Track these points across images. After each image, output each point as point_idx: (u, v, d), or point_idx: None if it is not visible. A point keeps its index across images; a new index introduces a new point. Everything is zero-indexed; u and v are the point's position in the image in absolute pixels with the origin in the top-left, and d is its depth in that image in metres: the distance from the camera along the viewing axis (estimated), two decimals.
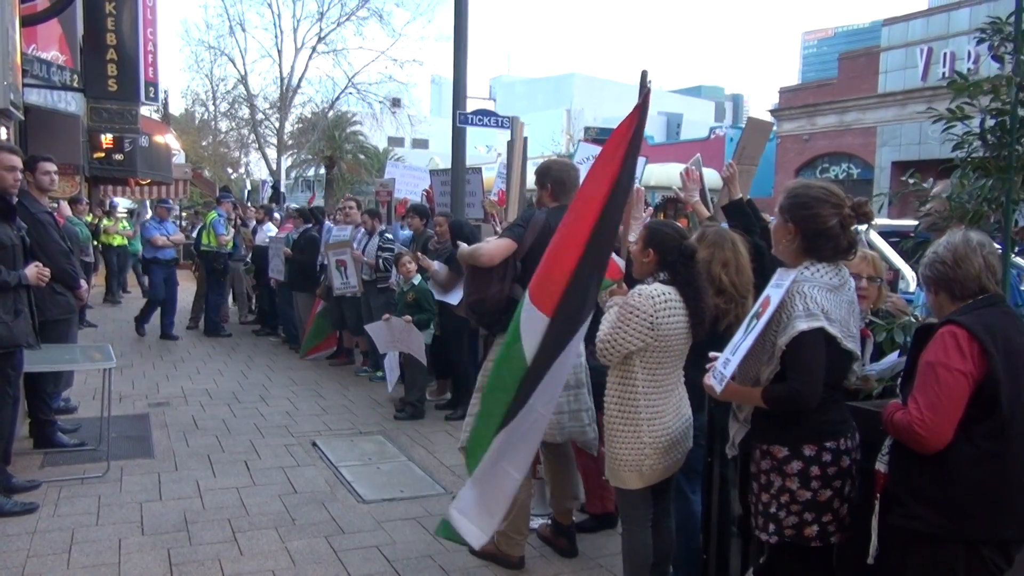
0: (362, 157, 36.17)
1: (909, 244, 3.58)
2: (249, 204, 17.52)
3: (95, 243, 13.18)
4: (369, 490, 4.82)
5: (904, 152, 19.91)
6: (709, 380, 2.58)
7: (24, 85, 7.81)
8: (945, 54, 18.55)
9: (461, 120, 8.68)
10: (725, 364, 2.55)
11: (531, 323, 3.15)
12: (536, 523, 4.12)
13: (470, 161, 9.24)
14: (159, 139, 15.43)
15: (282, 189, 27.60)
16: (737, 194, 3.99)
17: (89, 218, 12.87)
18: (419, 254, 6.75)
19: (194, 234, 11.80)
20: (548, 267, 3.17)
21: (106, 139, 12.42)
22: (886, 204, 3.71)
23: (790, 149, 23.04)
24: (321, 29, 28.64)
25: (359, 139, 35.99)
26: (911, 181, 3.33)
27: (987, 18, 2.93)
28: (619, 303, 3.02)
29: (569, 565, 3.91)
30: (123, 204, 22.08)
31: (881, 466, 2.38)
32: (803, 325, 2.37)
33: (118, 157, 13.05)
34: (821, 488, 2.47)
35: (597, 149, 6.12)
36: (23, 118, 8.04)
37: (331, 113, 31.71)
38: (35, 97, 9.41)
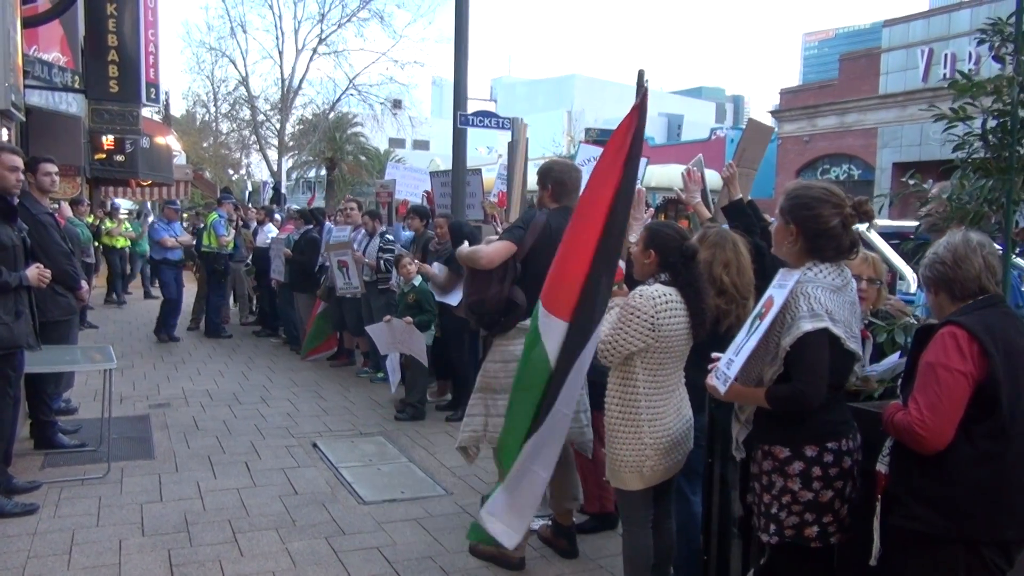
0: (363, 158, 36.19)
1: (909, 245, 3.57)
2: (250, 205, 17.50)
3: (96, 244, 13.19)
4: (370, 491, 4.82)
5: (905, 153, 19.91)
6: (712, 381, 2.58)
7: (25, 86, 7.82)
8: (946, 55, 18.56)
9: (462, 121, 8.69)
10: (728, 365, 2.55)
11: (550, 329, 3.23)
12: (536, 524, 4.12)
13: (471, 162, 9.25)
14: (160, 140, 15.45)
15: (283, 190, 27.62)
16: (737, 194, 3.99)
17: (90, 219, 12.89)
18: (416, 262, 6.76)
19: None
20: (560, 274, 3.25)
21: (107, 140, 12.44)
22: (886, 205, 3.71)
23: (791, 150, 23.05)
24: (322, 30, 28.70)
25: (360, 140, 36.02)
26: (911, 182, 3.33)
27: (988, 19, 2.93)
28: (620, 304, 3.02)
29: (569, 566, 3.91)
30: (124, 205, 22.09)
31: (882, 467, 2.38)
32: (807, 326, 2.37)
33: (119, 158, 13.06)
34: (823, 489, 2.46)
35: (598, 150, 6.12)
36: (24, 119, 8.05)
37: (332, 114, 31.73)
38: (36, 98, 9.42)
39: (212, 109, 32.81)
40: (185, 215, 24.28)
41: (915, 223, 4.26)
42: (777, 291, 2.50)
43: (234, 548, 3.96)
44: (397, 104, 29.52)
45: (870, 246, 5.66)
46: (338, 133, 34.04)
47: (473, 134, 9.30)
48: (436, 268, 6.67)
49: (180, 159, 21.35)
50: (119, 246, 14.31)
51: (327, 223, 9.44)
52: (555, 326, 3.20)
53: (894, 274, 6.17)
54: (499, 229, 5.37)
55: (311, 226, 9.40)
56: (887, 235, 6.60)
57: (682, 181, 4.35)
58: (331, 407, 6.94)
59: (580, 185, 4.06)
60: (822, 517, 2.48)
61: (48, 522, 4.19)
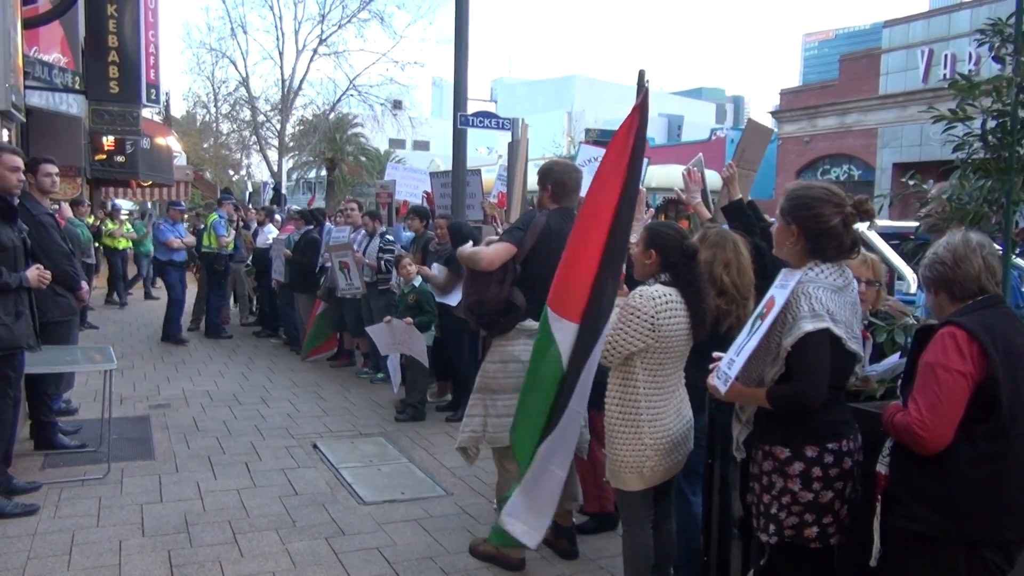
0: (363, 159, 36.22)
1: (909, 246, 3.57)
2: (250, 206, 17.51)
3: (97, 245, 13.19)
4: (370, 492, 4.82)
5: (905, 154, 19.92)
6: (713, 381, 2.59)
7: (26, 87, 7.82)
8: (946, 56, 18.56)
9: (462, 122, 8.69)
10: (729, 365, 2.55)
11: (560, 332, 3.28)
12: None
13: (471, 163, 9.25)
14: (161, 141, 15.47)
15: (283, 191, 27.61)
16: (737, 195, 3.99)
17: (91, 220, 12.88)
18: (415, 264, 6.76)
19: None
20: (567, 277, 3.29)
21: (107, 141, 12.46)
22: (887, 205, 3.71)
23: (791, 151, 23.06)
24: (322, 31, 28.72)
25: (360, 141, 36.05)
26: (911, 183, 3.33)
27: (988, 20, 2.93)
28: (620, 304, 3.02)
29: (570, 567, 3.91)
30: (125, 206, 22.10)
31: (882, 467, 2.38)
32: (809, 326, 2.37)
33: (119, 159, 13.09)
34: (823, 489, 2.46)
35: (598, 151, 6.13)
36: (25, 120, 8.05)
37: (332, 115, 31.73)
38: (37, 99, 9.41)
39: (212, 110, 32.88)
40: (186, 216, 24.29)
41: (915, 223, 4.27)
42: (779, 291, 2.50)
43: (234, 549, 3.96)
44: (397, 105, 29.53)
45: (870, 246, 5.66)
46: (338, 134, 34.07)
47: (473, 135, 9.31)
48: (436, 269, 6.68)
49: (180, 160, 21.36)
50: (120, 247, 14.31)
51: (327, 224, 9.44)
52: (565, 328, 3.25)
53: (893, 274, 6.16)
54: (499, 230, 5.37)
55: (311, 227, 9.40)
56: (887, 235, 6.60)
57: (682, 181, 4.35)
58: (331, 408, 6.94)
59: (580, 186, 4.06)
60: (822, 518, 2.48)
61: (48, 523, 4.19)
